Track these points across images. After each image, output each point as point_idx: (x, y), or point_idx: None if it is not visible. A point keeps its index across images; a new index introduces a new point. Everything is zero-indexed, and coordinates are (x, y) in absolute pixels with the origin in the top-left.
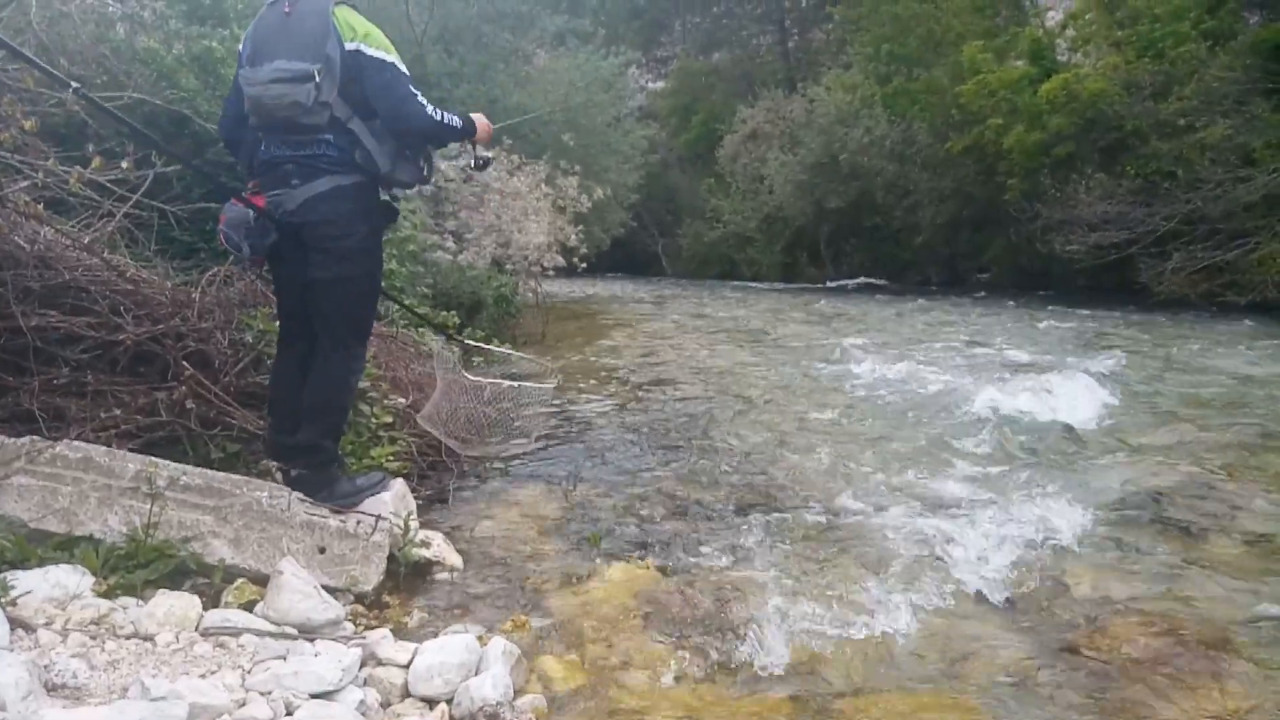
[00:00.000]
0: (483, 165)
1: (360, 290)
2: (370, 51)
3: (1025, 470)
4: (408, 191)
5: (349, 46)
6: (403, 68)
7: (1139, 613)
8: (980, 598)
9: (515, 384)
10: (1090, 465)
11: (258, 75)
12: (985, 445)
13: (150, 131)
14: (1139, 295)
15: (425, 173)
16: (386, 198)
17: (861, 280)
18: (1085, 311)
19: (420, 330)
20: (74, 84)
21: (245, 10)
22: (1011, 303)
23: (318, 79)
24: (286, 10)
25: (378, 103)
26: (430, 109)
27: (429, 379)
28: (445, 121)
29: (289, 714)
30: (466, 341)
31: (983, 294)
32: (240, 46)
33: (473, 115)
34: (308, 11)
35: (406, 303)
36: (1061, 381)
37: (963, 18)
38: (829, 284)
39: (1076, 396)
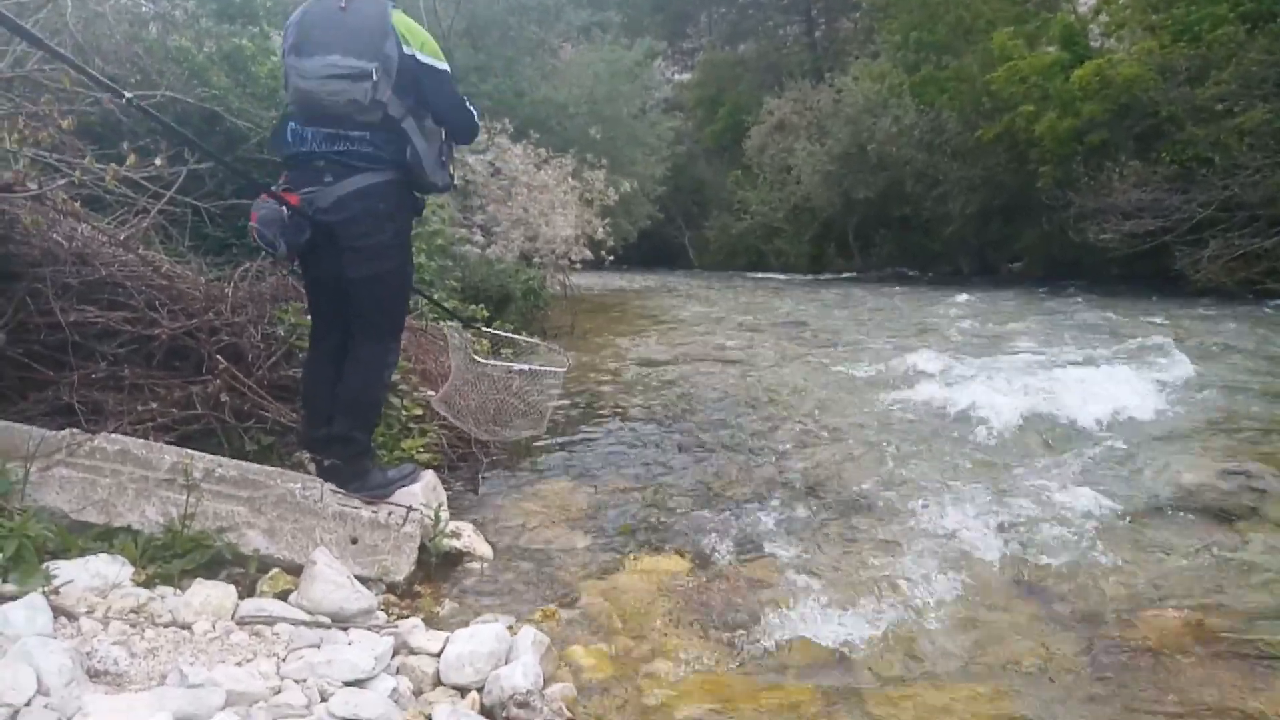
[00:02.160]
0: None
1: (395, 286)
2: (425, 59)
3: (1057, 461)
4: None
5: (407, 51)
6: (450, 72)
7: (1171, 605)
8: (1010, 589)
9: (526, 367)
10: (1124, 456)
11: (310, 68)
12: (1016, 438)
13: (182, 129)
14: (1175, 284)
15: (452, 179)
16: (416, 196)
17: (895, 270)
18: (1120, 301)
19: (450, 323)
20: (128, 94)
21: (275, 8)
22: (1044, 291)
23: (375, 77)
24: (343, 6)
25: (438, 108)
26: (474, 111)
27: None
28: (479, 117)
29: (323, 701)
30: (482, 329)
31: (1015, 284)
32: (283, 34)
33: None
34: (366, 10)
35: (435, 297)
36: (1094, 371)
37: (992, 4)
38: (858, 274)
39: (1110, 386)
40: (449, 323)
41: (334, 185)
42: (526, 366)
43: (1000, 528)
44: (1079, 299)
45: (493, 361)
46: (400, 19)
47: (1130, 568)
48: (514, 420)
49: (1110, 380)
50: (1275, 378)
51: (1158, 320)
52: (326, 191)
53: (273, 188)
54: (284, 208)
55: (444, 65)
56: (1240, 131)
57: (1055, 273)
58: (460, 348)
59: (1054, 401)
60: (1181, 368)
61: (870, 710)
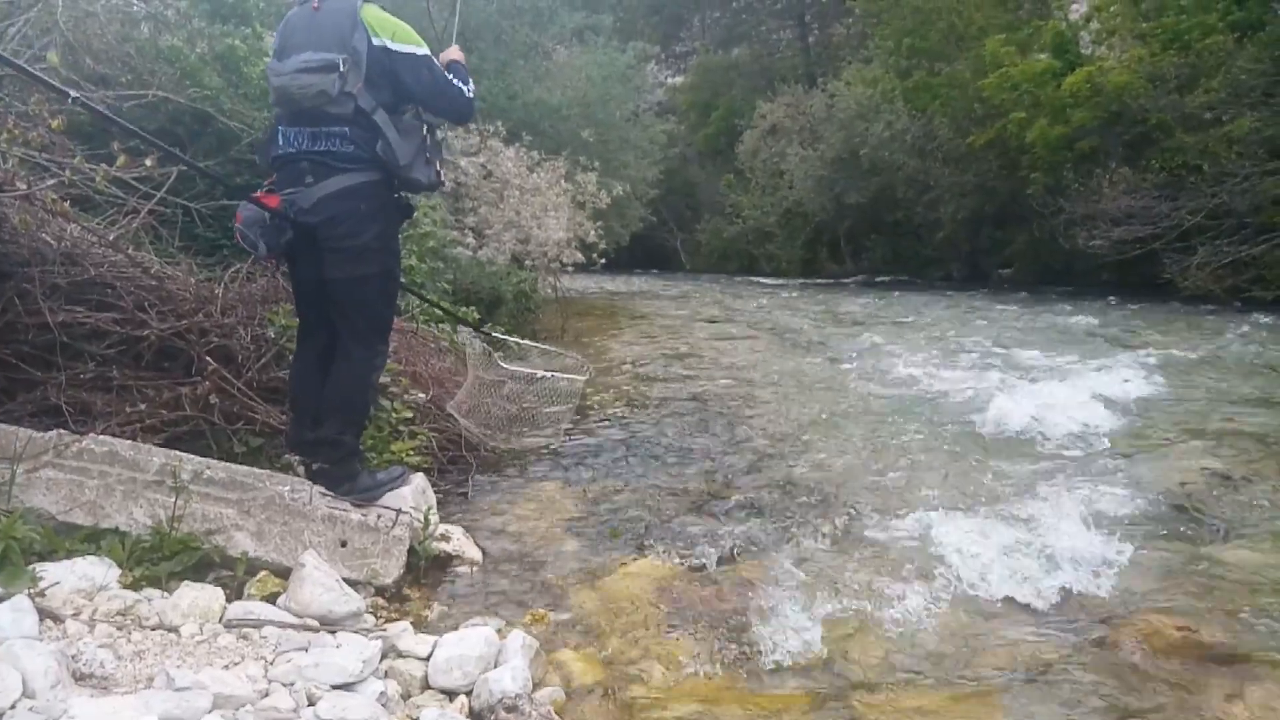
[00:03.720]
0: None
1: (379, 288)
2: (398, 47)
3: (1047, 468)
4: (422, 197)
5: (376, 42)
6: (430, 55)
7: (1161, 612)
8: (999, 595)
9: (549, 374)
10: (1114, 463)
11: (284, 66)
12: (1006, 444)
13: (173, 129)
14: (1163, 291)
15: (439, 177)
16: (403, 198)
17: (886, 275)
18: (1109, 307)
19: (441, 325)
20: (72, 93)
21: (268, 9)
22: (1033, 298)
23: (343, 69)
24: (315, 7)
25: (419, 94)
26: (465, 88)
27: (449, 374)
28: (471, 90)
29: (311, 705)
30: (502, 337)
31: (1005, 289)
32: (272, 45)
33: (450, 58)
34: (335, 8)
35: (430, 298)
36: (1083, 379)
37: (985, 10)
38: (849, 278)
39: (1099, 394)
40: (465, 330)
41: (315, 186)
42: (549, 374)
43: (989, 533)
44: (1067, 305)
45: (515, 367)
46: (370, 12)
47: (1116, 573)
48: (531, 427)
49: (1095, 387)
50: (1259, 386)
51: (1144, 327)
52: (307, 193)
53: (259, 190)
54: (265, 210)
55: (421, 50)
56: (1229, 139)
57: (1045, 279)
58: (480, 354)
59: (1042, 407)
60: (1167, 374)
61: (859, 714)
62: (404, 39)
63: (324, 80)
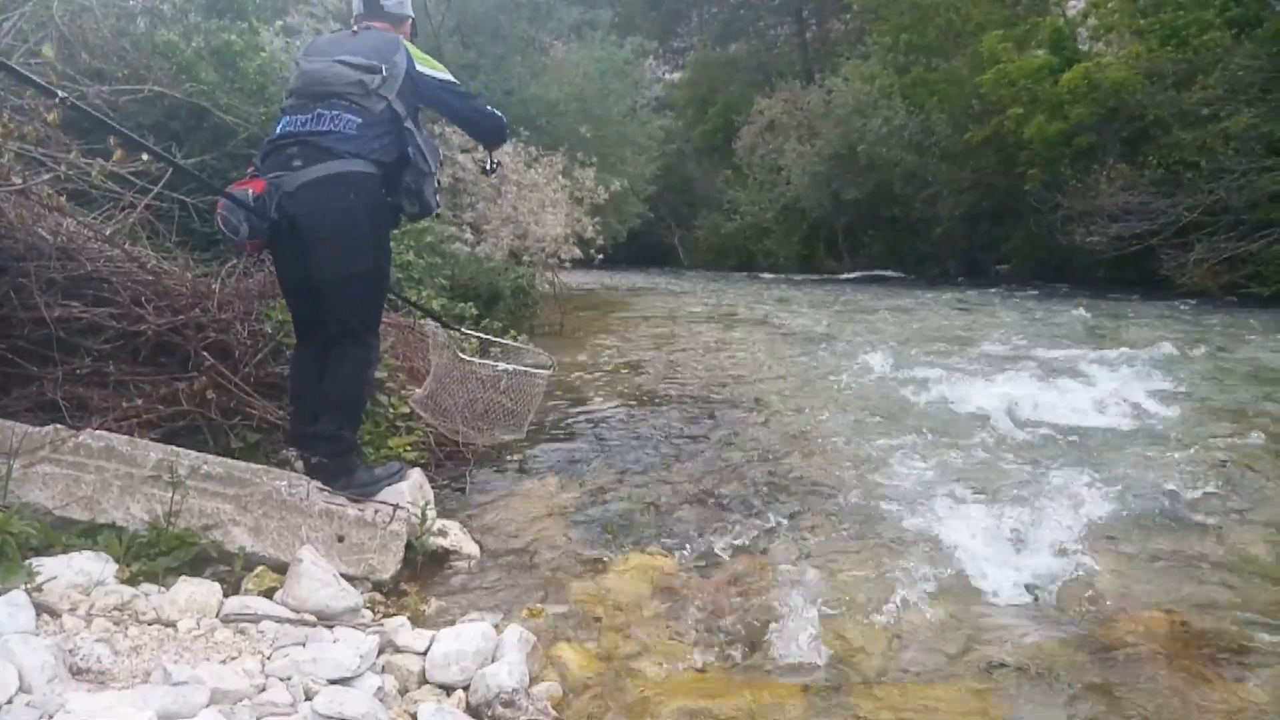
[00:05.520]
0: (496, 168)
1: (371, 287)
2: (437, 75)
3: (1044, 464)
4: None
5: (417, 66)
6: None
7: (1158, 607)
8: (998, 590)
9: (511, 367)
10: (1111, 459)
11: (323, 57)
12: (1004, 440)
13: (169, 124)
14: (1160, 287)
15: (437, 205)
16: (403, 208)
17: (884, 271)
18: (1106, 303)
19: (430, 322)
20: (60, 93)
21: (264, 4)
22: (1032, 293)
23: (384, 74)
24: (355, 30)
25: (451, 111)
26: (495, 110)
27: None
28: (503, 118)
29: (308, 699)
30: (463, 331)
31: (1002, 285)
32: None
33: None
34: (376, 34)
35: (413, 299)
36: (1082, 375)
37: (982, 7)
38: (846, 274)
39: (1097, 390)
40: (429, 321)
41: (302, 170)
42: (511, 366)
43: (986, 529)
44: (1064, 301)
45: (478, 360)
46: (411, 45)
47: (1113, 568)
48: (496, 421)
49: (1093, 383)
50: (1257, 382)
51: (1140, 323)
52: (293, 176)
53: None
54: (249, 193)
55: (452, 79)
56: (1226, 136)
57: (1043, 275)
58: (443, 346)
59: (1038, 405)
60: (1165, 371)
61: (855, 709)
62: (439, 69)
63: (364, 76)
